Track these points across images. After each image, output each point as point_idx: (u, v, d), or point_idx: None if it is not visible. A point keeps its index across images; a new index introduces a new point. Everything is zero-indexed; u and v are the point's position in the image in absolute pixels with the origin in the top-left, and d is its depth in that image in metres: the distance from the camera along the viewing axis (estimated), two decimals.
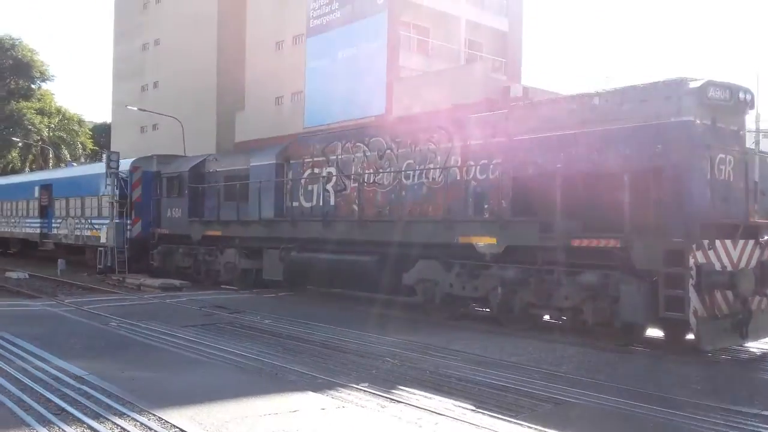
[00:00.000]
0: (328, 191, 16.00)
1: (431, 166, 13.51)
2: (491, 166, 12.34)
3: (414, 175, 13.83)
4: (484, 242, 11.99)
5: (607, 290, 10.28)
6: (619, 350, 9.96)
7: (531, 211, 11.61)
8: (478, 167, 12.56)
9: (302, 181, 16.67)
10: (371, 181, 14.88)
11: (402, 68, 32.69)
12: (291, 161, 17.15)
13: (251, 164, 18.23)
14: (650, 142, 10.09)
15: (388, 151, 14.54)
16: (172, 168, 21.79)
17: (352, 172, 15.32)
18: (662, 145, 9.95)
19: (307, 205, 16.55)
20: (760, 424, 6.37)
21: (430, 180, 13.51)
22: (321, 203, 16.09)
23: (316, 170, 16.35)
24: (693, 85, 9.78)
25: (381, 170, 14.62)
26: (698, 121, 9.79)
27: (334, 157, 15.89)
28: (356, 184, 15.19)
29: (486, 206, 12.42)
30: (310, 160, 16.55)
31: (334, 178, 15.83)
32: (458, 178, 12.94)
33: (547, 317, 11.69)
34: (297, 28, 37.69)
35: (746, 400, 7.29)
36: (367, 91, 31.97)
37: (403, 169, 14.08)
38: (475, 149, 12.70)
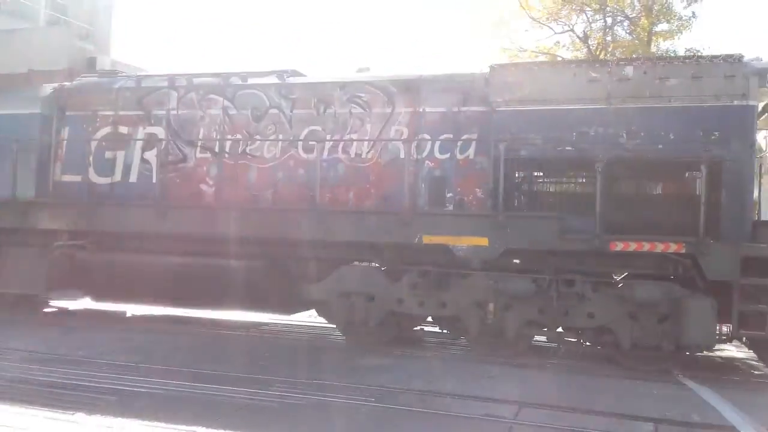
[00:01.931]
0: (147, 162, 10.79)
1: (355, 136, 9.84)
2: (460, 143, 9.36)
3: (325, 149, 9.92)
4: (467, 243, 8.94)
5: (658, 307, 8.32)
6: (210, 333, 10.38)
7: (520, 205, 9.05)
8: (438, 143, 9.44)
9: (92, 144, 11.02)
10: (240, 151, 10.36)
11: None
12: (68, 113, 11.25)
13: None
14: (705, 127, 8.46)
15: (274, 110, 10.27)
16: None
17: (200, 137, 10.55)
18: (721, 132, 8.41)
19: (102, 180, 10.97)
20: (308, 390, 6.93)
21: (353, 156, 9.82)
22: (133, 179, 10.80)
23: (124, 129, 10.95)
24: (758, 64, 8.46)
25: (258, 137, 10.26)
26: (759, 107, 8.52)
27: (163, 112, 10.78)
28: (208, 155, 10.49)
29: (450, 195, 9.38)
30: (111, 113, 11.03)
31: (162, 144, 10.71)
32: (402, 155, 9.58)
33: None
34: None
35: (312, 370, 7.88)
36: None
37: (302, 137, 10.05)
38: (433, 119, 9.53)
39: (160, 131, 10.77)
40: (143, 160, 10.80)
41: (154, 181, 10.68)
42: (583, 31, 23.43)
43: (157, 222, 10.23)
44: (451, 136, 9.40)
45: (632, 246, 8.36)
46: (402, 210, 9.18)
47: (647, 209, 8.67)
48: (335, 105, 9.97)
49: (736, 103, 8.39)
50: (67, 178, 11.14)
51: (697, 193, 8.27)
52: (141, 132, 10.85)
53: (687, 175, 8.59)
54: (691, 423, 6.24)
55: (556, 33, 23.71)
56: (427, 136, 9.49)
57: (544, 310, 8.77)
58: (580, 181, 9.03)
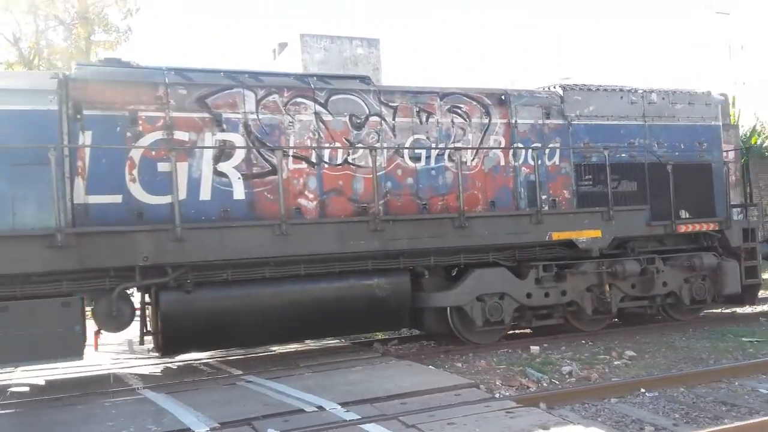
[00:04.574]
0: (224, 175, 8.91)
1: (459, 144, 10.16)
2: (547, 151, 10.67)
3: (430, 157, 9.96)
4: (586, 236, 10.31)
5: (702, 270, 11.13)
6: None
7: (594, 202, 10.85)
8: (530, 151, 10.55)
9: (136, 154, 8.51)
10: (341, 161, 9.50)
11: None
12: (86, 112, 8.36)
13: None
14: (698, 140, 11.74)
15: (374, 118, 9.74)
16: None
17: (291, 144, 9.27)
18: (707, 144, 11.79)
19: (155, 200, 8.55)
20: None
21: (458, 164, 10.11)
22: (205, 197, 8.78)
23: (182, 135, 8.78)
24: (720, 96, 12.12)
25: (360, 145, 9.60)
26: None
27: (238, 115, 9.06)
28: (303, 165, 9.32)
29: (544, 197, 10.56)
30: (160, 114, 8.70)
31: (240, 153, 9.00)
32: (502, 163, 10.39)
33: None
34: None
35: None
36: None
37: (407, 145, 9.86)
38: (524, 130, 10.58)
39: (237, 138, 9.01)
40: (217, 173, 8.86)
41: (236, 197, 8.91)
42: (13, 33, 21.88)
43: (275, 244, 8.64)
44: (539, 145, 10.60)
45: (690, 227, 11.07)
46: (533, 212, 10.02)
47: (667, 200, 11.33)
48: (437, 114, 10.09)
49: (713, 123, 11.88)
50: (96, 198, 8.27)
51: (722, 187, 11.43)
52: (210, 139, 8.87)
53: (695, 174, 11.60)
54: None
55: None
56: (520, 145, 10.48)
57: (635, 285, 10.76)
58: (632, 180, 11.20)
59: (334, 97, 9.53)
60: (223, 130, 8.96)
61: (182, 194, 8.55)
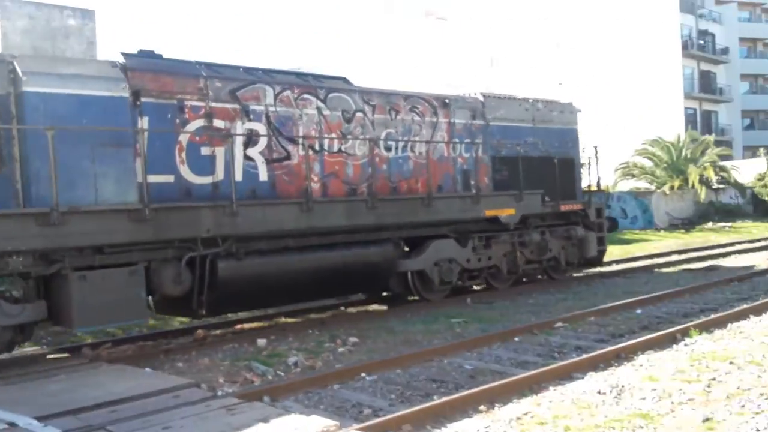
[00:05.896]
0: (251, 159, 10.34)
1: (417, 138, 12.51)
2: (473, 146, 13.46)
3: (398, 147, 12.20)
4: (506, 213, 13.28)
5: (575, 239, 14.78)
6: None
7: (504, 187, 13.91)
8: (463, 145, 13.26)
9: (184, 138, 9.65)
10: (336, 149, 11.35)
11: None
12: (143, 99, 9.31)
13: (28, 88, 8.20)
14: (566, 140, 15.41)
15: (359, 114, 11.69)
16: None
17: (300, 134, 10.92)
18: (571, 143, 15.52)
19: (200, 180, 9.78)
20: None
21: (417, 154, 12.47)
22: (239, 177, 10.15)
23: (219, 123, 10.06)
24: (577, 106, 15.87)
25: (350, 136, 11.53)
26: None
27: (261, 107, 10.51)
28: (312, 153, 11.04)
29: (473, 183, 13.33)
30: (202, 104, 9.89)
31: (263, 140, 10.48)
32: (446, 154, 12.98)
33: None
34: None
35: None
36: None
37: (382, 137, 11.99)
38: (459, 128, 13.24)
39: (260, 127, 10.46)
40: (247, 157, 10.27)
41: (261, 179, 10.41)
42: None
43: (301, 218, 10.34)
44: (469, 140, 13.35)
45: (568, 207, 14.62)
46: (473, 195, 12.74)
47: (560, 185, 14.78)
48: (402, 112, 12.32)
49: (574, 127, 15.62)
50: (154, 178, 9.29)
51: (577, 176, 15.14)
52: (240, 127, 10.22)
53: (565, 166, 15.19)
54: None
55: None
56: (457, 140, 13.15)
57: (534, 251, 14.03)
58: (527, 170, 14.40)
59: (331, 95, 11.32)
60: (250, 120, 10.33)
61: (221, 175, 9.85)
